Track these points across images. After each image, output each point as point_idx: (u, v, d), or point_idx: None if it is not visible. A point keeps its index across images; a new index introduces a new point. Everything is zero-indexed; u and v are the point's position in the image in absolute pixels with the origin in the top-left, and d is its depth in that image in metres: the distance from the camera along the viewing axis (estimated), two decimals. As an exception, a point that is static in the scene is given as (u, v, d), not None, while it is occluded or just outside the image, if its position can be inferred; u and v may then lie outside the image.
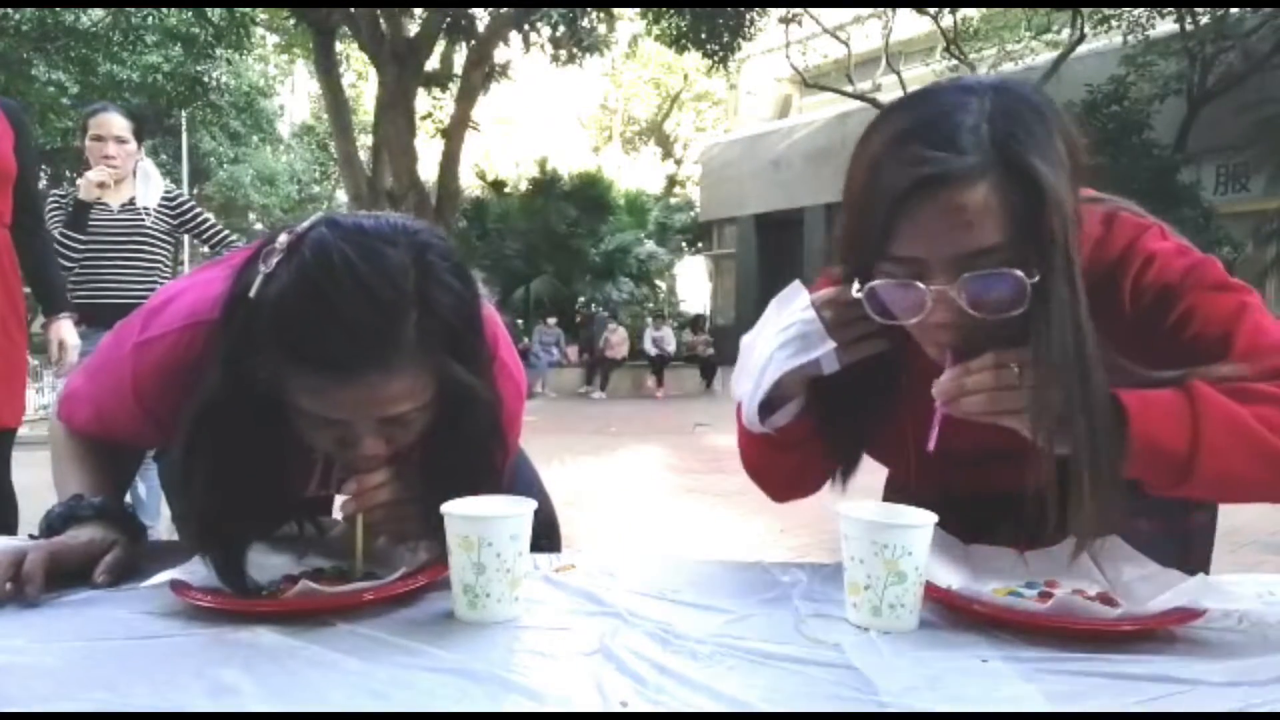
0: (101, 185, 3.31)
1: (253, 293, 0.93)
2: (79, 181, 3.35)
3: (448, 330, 0.95)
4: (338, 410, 0.94)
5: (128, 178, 3.48)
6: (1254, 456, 0.88)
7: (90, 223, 3.33)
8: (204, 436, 0.98)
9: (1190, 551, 1.18)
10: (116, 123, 3.42)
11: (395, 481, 1.02)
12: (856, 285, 0.95)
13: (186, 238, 3.93)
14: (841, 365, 1.02)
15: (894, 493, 1.25)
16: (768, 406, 1.06)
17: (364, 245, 0.92)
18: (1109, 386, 0.88)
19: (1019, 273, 0.87)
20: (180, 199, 3.70)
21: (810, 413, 1.07)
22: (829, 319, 1.01)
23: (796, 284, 1.06)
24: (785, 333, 1.03)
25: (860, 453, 1.15)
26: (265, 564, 1.03)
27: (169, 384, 1.03)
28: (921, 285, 0.90)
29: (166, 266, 3.62)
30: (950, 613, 0.93)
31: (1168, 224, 1.04)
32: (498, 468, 1.06)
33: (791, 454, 1.11)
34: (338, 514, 1.09)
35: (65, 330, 2.93)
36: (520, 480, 1.27)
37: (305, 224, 0.97)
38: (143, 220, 3.51)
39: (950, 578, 0.98)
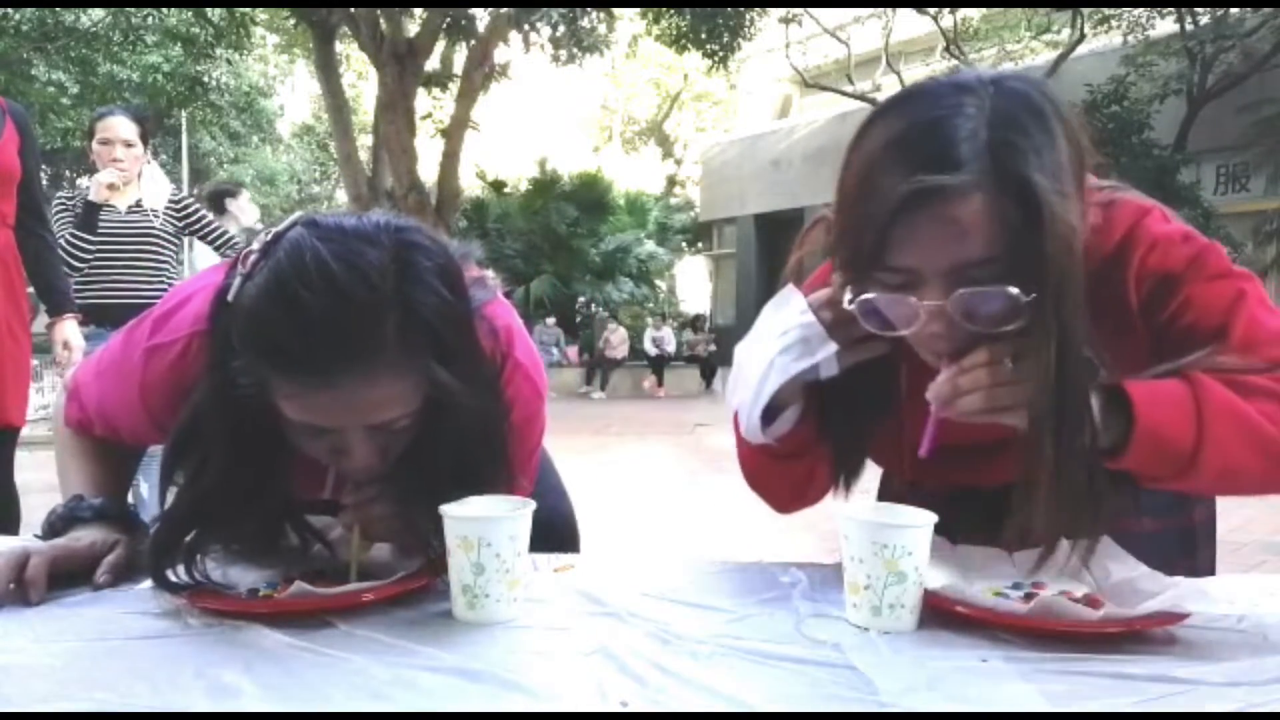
0: (111, 187, 3.33)
1: (230, 296, 0.91)
2: (89, 183, 3.37)
3: (431, 333, 0.90)
4: (322, 417, 0.91)
5: (134, 180, 3.50)
6: (1255, 450, 0.88)
7: (98, 224, 3.35)
8: (190, 445, 0.98)
9: (1196, 549, 1.17)
10: (124, 126, 3.44)
11: (391, 493, 1.00)
12: (849, 296, 0.93)
13: (188, 239, 3.96)
14: (842, 368, 1.00)
15: (888, 491, 1.23)
16: (766, 415, 1.03)
17: (341, 244, 0.88)
18: (1109, 379, 0.88)
19: (1014, 290, 0.86)
20: (185, 201, 3.75)
21: (810, 419, 1.05)
22: (828, 320, 0.98)
23: (790, 287, 1.04)
24: (785, 338, 0.99)
25: (863, 458, 1.12)
26: (264, 565, 1.03)
27: (176, 391, 1.03)
28: (914, 300, 0.89)
29: (173, 267, 3.67)
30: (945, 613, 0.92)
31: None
32: (489, 474, 1.02)
33: (793, 463, 1.08)
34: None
35: (70, 331, 2.94)
36: (540, 479, 1.24)
37: (284, 224, 0.94)
38: (150, 222, 3.54)
39: (937, 579, 0.97)
